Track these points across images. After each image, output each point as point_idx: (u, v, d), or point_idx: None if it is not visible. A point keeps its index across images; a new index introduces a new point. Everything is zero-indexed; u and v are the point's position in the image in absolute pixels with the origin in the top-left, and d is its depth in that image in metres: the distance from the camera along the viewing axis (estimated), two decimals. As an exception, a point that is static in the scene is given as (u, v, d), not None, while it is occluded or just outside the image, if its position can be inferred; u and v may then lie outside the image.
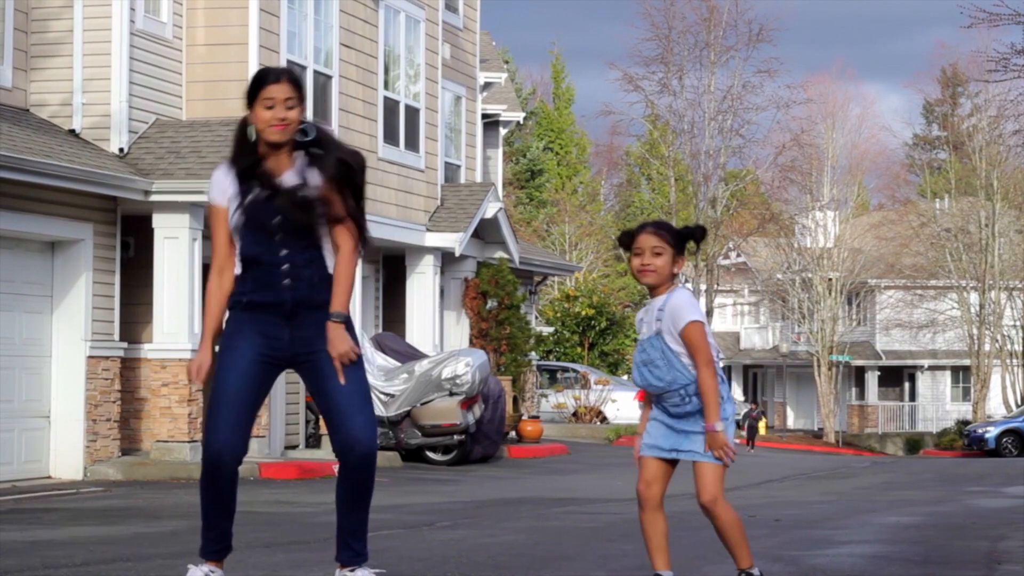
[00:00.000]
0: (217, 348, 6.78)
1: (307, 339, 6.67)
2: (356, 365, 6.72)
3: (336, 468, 19.87)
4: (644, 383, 6.82)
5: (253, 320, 6.67)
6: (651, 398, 6.89)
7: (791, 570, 8.43)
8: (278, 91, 6.65)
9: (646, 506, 6.97)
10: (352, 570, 6.84)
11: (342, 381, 6.65)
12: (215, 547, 6.90)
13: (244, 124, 6.77)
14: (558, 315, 52.38)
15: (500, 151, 37.50)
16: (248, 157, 6.74)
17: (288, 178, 6.68)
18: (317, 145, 6.75)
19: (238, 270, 6.72)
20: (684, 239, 6.81)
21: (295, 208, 6.63)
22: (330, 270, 6.69)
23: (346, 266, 6.69)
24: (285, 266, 6.63)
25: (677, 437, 6.83)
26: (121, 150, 20.18)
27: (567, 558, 9.03)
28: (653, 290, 6.83)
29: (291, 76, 6.76)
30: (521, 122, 42.88)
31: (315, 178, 6.68)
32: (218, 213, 6.74)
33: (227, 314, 6.77)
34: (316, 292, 6.66)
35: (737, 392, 74.06)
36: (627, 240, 6.87)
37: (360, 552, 6.87)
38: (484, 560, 8.76)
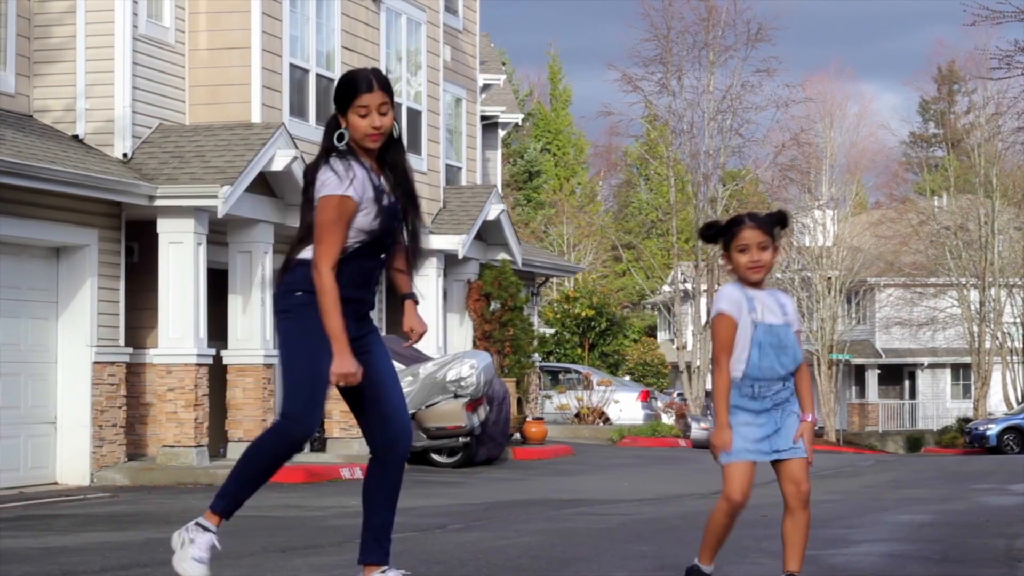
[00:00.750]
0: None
1: (363, 334, 6.73)
2: (394, 369, 6.88)
3: (343, 471, 19.57)
4: (767, 365, 6.73)
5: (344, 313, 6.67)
6: (740, 396, 6.77)
7: (812, 570, 8.41)
8: (372, 99, 6.62)
9: (736, 513, 6.89)
10: (384, 571, 6.80)
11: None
12: (231, 509, 6.91)
13: (334, 126, 6.73)
14: (558, 316, 52.39)
15: (499, 152, 37.51)
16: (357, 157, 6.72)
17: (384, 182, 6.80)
18: (398, 148, 6.83)
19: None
20: (774, 227, 6.79)
21: (412, 215, 6.82)
22: None
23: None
24: (377, 269, 6.77)
25: (772, 439, 6.81)
26: (125, 155, 20.16)
27: (585, 559, 9.01)
28: (753, 283, 6.79)
29: (382, 81, 6.70)
30: (519, 123, 42.84)
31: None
32: (349, 208, 6.61)
33: (304, 296, 6.67)
34: (373, 295, 6.83)
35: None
36: (716, 234, 6.79)
37: (388, 551, 6.86)
38: (502, 562, 8.75)
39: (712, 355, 6.91)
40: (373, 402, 6.74)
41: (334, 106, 6.72)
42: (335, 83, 6.96)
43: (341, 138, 6.67)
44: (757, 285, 6.78)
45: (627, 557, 9.17)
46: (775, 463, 6.88)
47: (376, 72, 6.77)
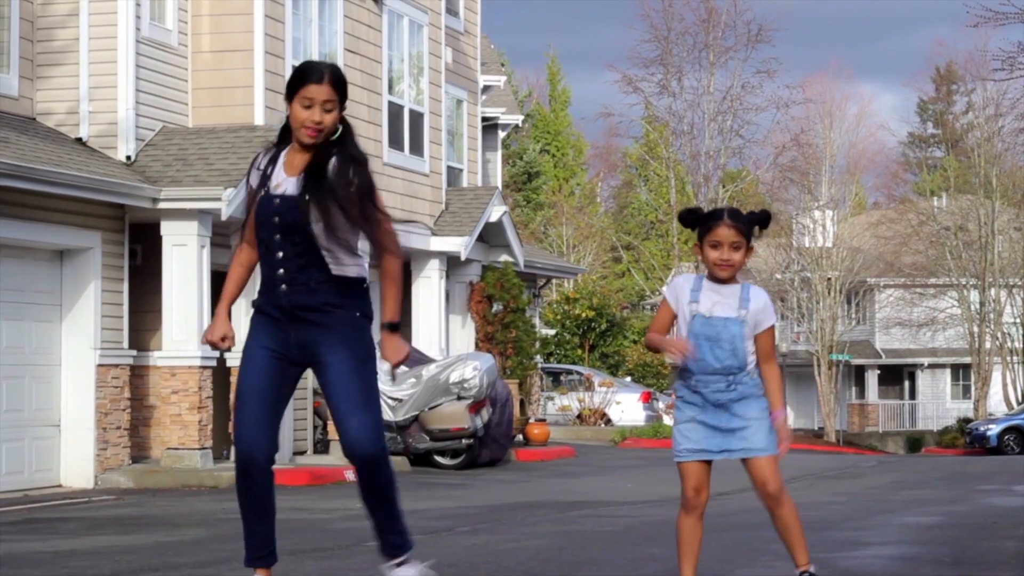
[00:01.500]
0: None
1: (309, 342, 6.61)
2: (362, 366, 6.65)
3: (347, 473, 19.59)
4: (699, 356, 6.71)
5: (266, 321, 6.65)
6: (685, 387, 6.78)
7: (824, 572, 8.41)
8: (318, 92, 6.48)
9: (693, 513, 6.91)
10: (399, 563, 6.77)
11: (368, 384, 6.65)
12: (258, 553, 6.81)
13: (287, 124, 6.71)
14: (558, 317, 52.35)
15: (499, 154, 37.49)
16: (276, 157, 6.69)
17: (292, 182, 6.60)
18: (340, 143, 6.63)
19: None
20: (752, 227, 6.75)
21: (292, 210, 6.56)
22: (334, 272, 6.59)
23: (386, 276, 6.66)
24: (280, 270, 6.58)
25: (723, 437, 6.78)
26: (128, 158, 20.16)
27: (595, 563, 9.02)
28: (720, 279, 6.78)
29: (335, 76, 6.55)
30: (519, 125, 42.84)
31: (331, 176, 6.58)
32: (250, 195, 6.69)
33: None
34: (314, 296, 6.59)
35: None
36: (694, 220, 6.78)
37: (398, 544, 6.79)
38: (514, 566, 8.75)
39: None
40: (331, 413, 6.72)
41: (285, 97, 6.62)
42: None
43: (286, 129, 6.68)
44: (725, 281, 6.75)
45: (637, 560, 9.18)
46: (745, 464, 6.82)
47: (333, 67, 6.63)
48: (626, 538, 11.06)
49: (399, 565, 6.78)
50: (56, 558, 9.91)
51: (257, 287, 6.79)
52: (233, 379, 20.72)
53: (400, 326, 6.72)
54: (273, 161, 6.66)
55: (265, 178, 6.62)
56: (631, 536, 11.27)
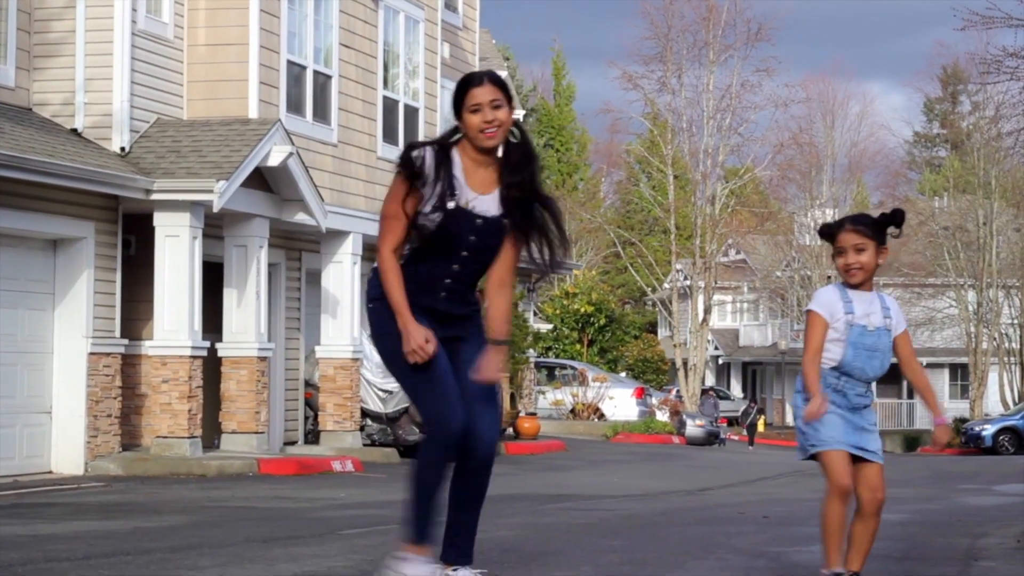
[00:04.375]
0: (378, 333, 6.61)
1: (451, 339, 6.63)
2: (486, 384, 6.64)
3: (335, 464, 19.78)
4: (858, 366, 6.87)
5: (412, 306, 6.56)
6: (826, 386, 6.86)
7: (773, 566, 8.63)
8: (482, 93, 6.49)
9: (847, 499, 6.90)
10: (455, 569, 6.73)
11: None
12: (433, 532, 6.71)
13: (452, 133, 6.63)
14: (557, 312, 52.56)
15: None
16: (448, 154, 6.58)
17: (489, 202, 6.57)
18: (521, 158, 6.60)
19: (399, 259, 6.60)
20: (884, 227, 6.86)
21: (495, 234, 6.54)
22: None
23: (504, 298, 6.73)
24: (449, 280, 6.56)
25: (858, 435, 6.92)
26: (123, 149, 20.39)
27: (556, 553, 9.23)
28: (856, 286, 6.90)
29: (493, 77, 6.57)
30: (521, 119, 43.08)
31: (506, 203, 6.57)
32: (402, 187, 6.53)
33: (380, 303, 6.59)
34: (465, 305, 6.65)
35: (736, 389, 74.25)
36: (828, 233, 6.95)
37: (466, 552, 6.77)
38: (474, 555, 8.95)
39: (803, 351, 6.99)
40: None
41: (453, 114, 6.61)
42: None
43: (453, 133, 6.62)
44: (860, 287, 6.89)
45: (597, 551, 9.39)
46: (856, 466, 6.93)
47: (489, 71, 6.68)
48: (594, 530, 11.27)
49: (455, 571, 6.74)
50: (34, 541, 10.14)
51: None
52: (225, 369, 20.99)
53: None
54: (445, 166, 6.54)
55: (444, 182, 6.51)
56: (600, 528, 11.48)
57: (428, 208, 6.51)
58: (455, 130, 6.66)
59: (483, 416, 6.55)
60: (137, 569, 8.41)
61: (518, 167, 6.62)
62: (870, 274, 6.88)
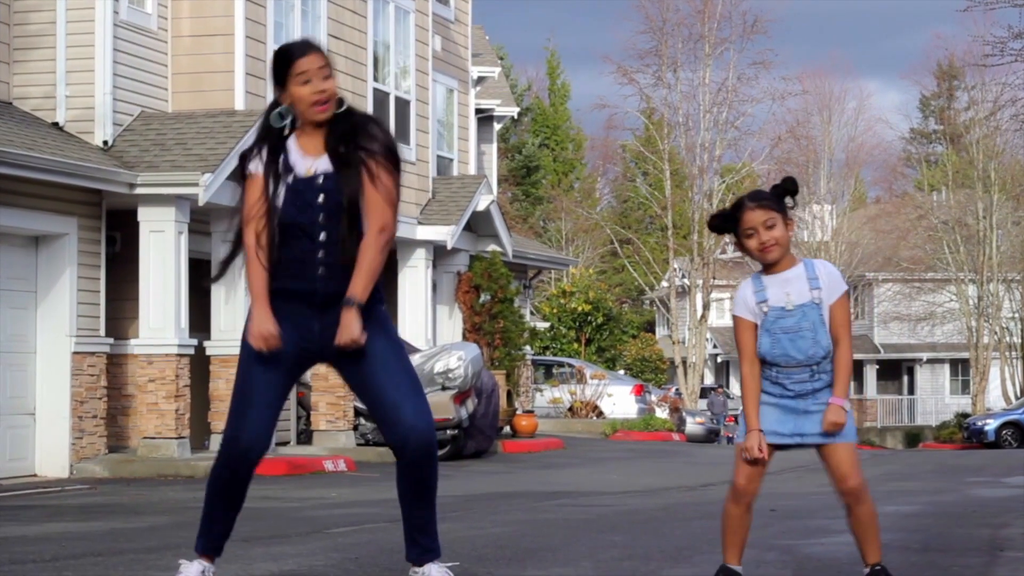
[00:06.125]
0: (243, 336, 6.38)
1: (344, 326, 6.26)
2: (399, 350, 6.33)
3: (326, 463, 19.25)
4: (780, 352, 6.32)
5: (280, 309, 6.25)
6: (764, 378, 6.37)
7: (785, 559, 8.15)
8: (309, 62, 6.22)
9: (741, 501, 6.45)
10: (422, 566, 6.45)
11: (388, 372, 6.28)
12: (215, 544, 6.52)
13: (269, 110, 6.34)
14: (554, 311, 52.12)
15: (495, 146, 37.23)
16: (274, 138, 6.33)
17: (325, 162, 6.29)
18: (347, 118, 6.32)
19: (272, 255, 6.31)
20: (782, 199, 6.37)
21: (337, 189, 6.25)
22: (356, 255, 6.30)
23: (366, 250, 6.28)
24: (320, 254, 6.24)
25: (798, 420, 6.37)
26: (105, 143, 19.90)
27: (552, 549, 8.74)
28: (774, 265, 6.35)
29: (317, 46, 6.35)
30: (516, 117, 42.61)
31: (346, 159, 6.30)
32: (256, 183, 6.32)
33: (250, 302, 6.35)
34: (348, 281, 6.27)
35: (735, 388, 73.84)
36: (725, 223, 6.40)
37: (429, 548, 6.45)
38: (468, 552, 8.48)
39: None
40: (372, 405, 6.34)
41: (273, 85, 6.32)
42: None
43: (282, 117, 6.31)
44: (776, 265, 6.36)
45: (596, 547, 8.90)
46: (820, 453, 6.43)
47: (309, 40, 6.43)
48: (593, 526, 10.79)
49: (419, 570, 6.46)
50: (1, 544, 9.64)
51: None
52: (214, 368, 20.48)
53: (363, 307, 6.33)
54: (277, 150, 6.31)
55: (279, 165, 6.28)
56: (599, 524, 10.99)
57: (272, 191, 6.27)
58: (272, 106, 6.33)
59: (405, 405, 6.24)
60: (104, 570, 7.92)
61: (343, 136, 6.30)
62: (786, 248, 6.32)
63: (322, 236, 6.25)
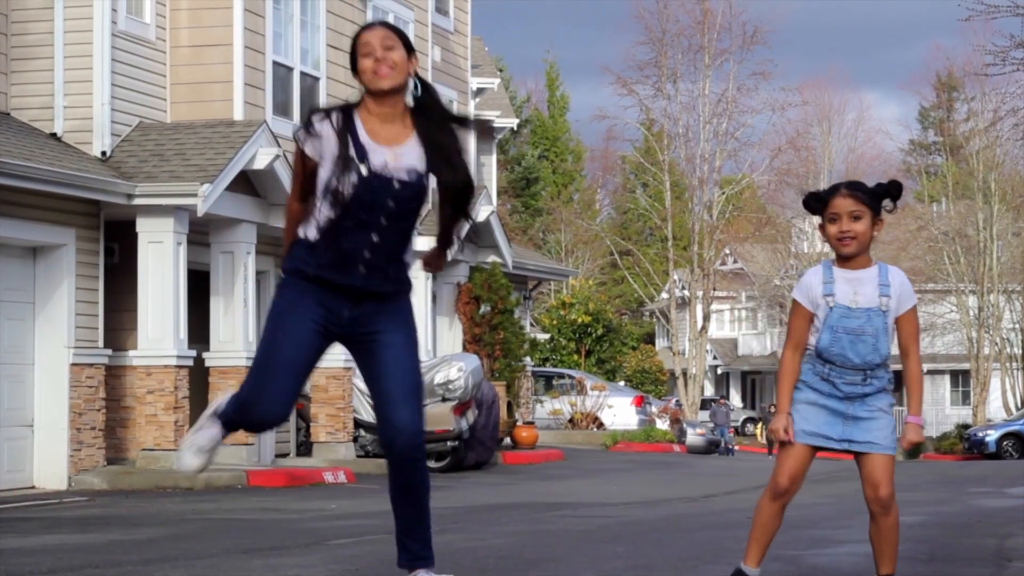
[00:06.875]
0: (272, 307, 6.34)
1: (368, 319, 6.20)
2: (414, 348, 6.27)
3: (326, 475, 19.19)
4: (838, 352, 6.22)
5: (315, 291, 6.16)
6: (814, 373, 6.27)
7: (790, 569, 8.05)
8: (372, 35, 6.09)
9: (778, 500, 6.37)
10: (412, 573, 6.37)
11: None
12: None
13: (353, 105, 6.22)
14: (554, 322, 52.02)
15: (494, 157, 37.17)
16: (351, 118, 6.12)
17: (407, 153, 6.12)
18: (427, 109, 6.18)
19: (312, 235, 6.15)
20: (880, 198, 6.23)
21: (414, 198, 6.12)
22: (406, 257, 6.27)
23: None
24: (367, 253, 6.12)
25: (847, 426, 6.29)
26: (104, 153, 19.82)
27: (555, 560, 8.64)
28: (848, 259, 6.24)
29: (386, 23, 6.23)
30: (515, 129, 42.56)
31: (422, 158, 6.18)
32: (308, 164, 6.17)
33: (286, 278, 6.26)
34: (389, 282, 6.20)
35: (735, 399, 73.66)
36: (816, 203, 6.26)
37: (419, 554, 6.36)
38: (469, 563, 8.38)
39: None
40: (375, 395, 6.29)
41: (352, 73, 6.18)
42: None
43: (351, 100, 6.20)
44: (852, 260, 6.23)
45: (599, 557, 8.80)
46: (857, 460, 6.35)
47: (384, 21, 6.42)
48: (595, 537, 10.69)
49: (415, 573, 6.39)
50: (-1, 556, 9.55)
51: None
52: (213, 379, 20.38)
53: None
54: (348, 125, 6.07)
55: (349, 144, 6.05)
56: (601, 535, 10.89)
57: (339, 175, 6.05)
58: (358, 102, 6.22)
59: (402, 408, 6.21)
60: (102, 582, 7.82)
61: (433, 138, 6.17)
62: (865, 246, 6.21)
63: (375, 237, 6.13)
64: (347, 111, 6.14)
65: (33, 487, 18.66)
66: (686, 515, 13.94)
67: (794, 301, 6.35)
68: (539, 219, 75.83)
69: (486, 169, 35.59)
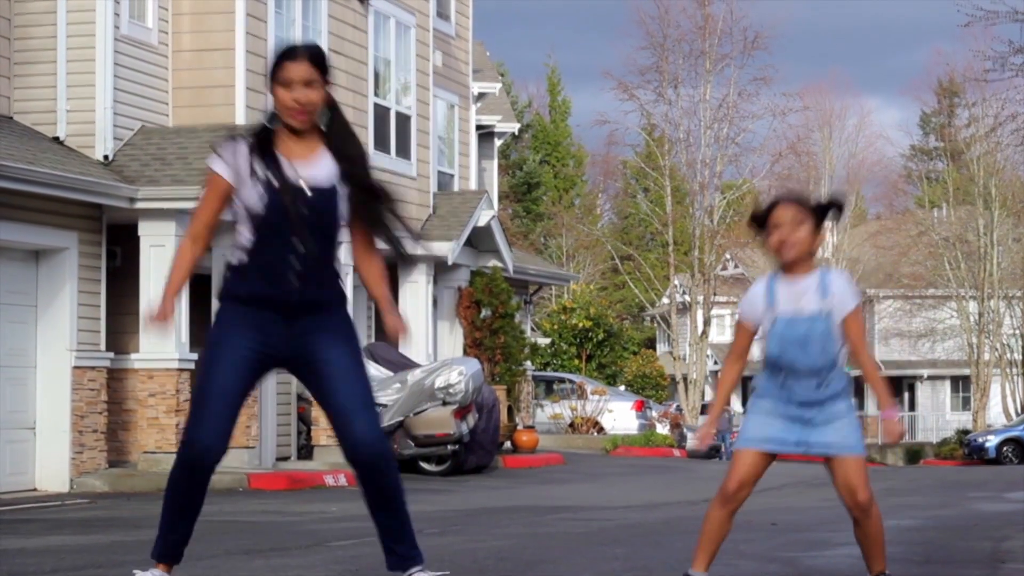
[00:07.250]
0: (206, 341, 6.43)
1: (307, 339, 6.27)
2: (361, 364, 6.37)
3: (327, 478, 19.24)
4: (788, 360, 6.29)
5: (248, 314, 6.25)
6: (771, 380, 6.36)
7: (788, 571, 8.12)
8: (296, 70, 6.15)
9: (728, 506, 6.40)
10: (406, 573, 6.45)
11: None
12: (173, 551, 6.53)
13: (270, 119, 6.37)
14: (555, 327, 52.08)
15: (495, 162, 37.22)
16: (266, 135, 6.29)
17: (318, 168, 6.27)
18: (334, 137, 6.35)
19: (238, 258, 6.29)
20: (823, 212, 6.29)
21: (329, 202, 6.27)
22: (335, 266, 6.35)
23: (378, 263, 6.59)
24: (297, 264, 6.22)
25: (804, 430, 6.33)
26: (106, 157, 19.90)
27: (553, 562, 8.72)
28: (790, 267, 6.30)
29: (312, 53, 6.25)
30: (517, 133, 42.59)
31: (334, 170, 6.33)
32: (219, 186, 6.33)
33: (221, 304, 6.37)
34: (324, 291, 6.31)
35: (736, 404, 73.70)
36: (760, 219, 6.32)
37: (407, 555, 6.47)
38: (469, 564, 8.45)
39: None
40: (328, 413, 6.37)
41: (267, 81, 6.29)
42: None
43: (272, 119, 6.30)
44: (794, 268, 6.29)
45: (598, 559, 8.88)
46: (828, 466, 6.38)
47: (311, 45, 6.36)
48: (594, 539, 10.76)
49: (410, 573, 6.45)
50: (2, 556, 9.61)
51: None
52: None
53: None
54: (260, 149, 6.25)
55: (258, 165, 6.22)
56: (600, 537, 10.96)
57: (255, 191, 6.20)
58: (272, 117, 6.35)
59: (357, 420, 6.29)
60: (104, 582, 7.89)
61: (340, 151, 6.33)
62: (805, 253, 6.25)
63: (300, 247, 6.24)
64: (260, 132, 6.32)
65: (35, 489, 18.73)
66: (684, 518, 13.99)
67: (738, 319, 6.46)
68: (540, 224, 75.90)
69: (487, 174, 35.66)
